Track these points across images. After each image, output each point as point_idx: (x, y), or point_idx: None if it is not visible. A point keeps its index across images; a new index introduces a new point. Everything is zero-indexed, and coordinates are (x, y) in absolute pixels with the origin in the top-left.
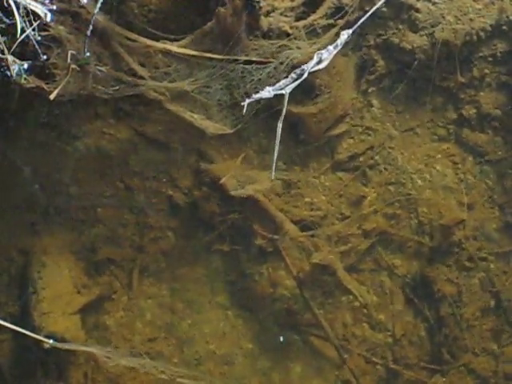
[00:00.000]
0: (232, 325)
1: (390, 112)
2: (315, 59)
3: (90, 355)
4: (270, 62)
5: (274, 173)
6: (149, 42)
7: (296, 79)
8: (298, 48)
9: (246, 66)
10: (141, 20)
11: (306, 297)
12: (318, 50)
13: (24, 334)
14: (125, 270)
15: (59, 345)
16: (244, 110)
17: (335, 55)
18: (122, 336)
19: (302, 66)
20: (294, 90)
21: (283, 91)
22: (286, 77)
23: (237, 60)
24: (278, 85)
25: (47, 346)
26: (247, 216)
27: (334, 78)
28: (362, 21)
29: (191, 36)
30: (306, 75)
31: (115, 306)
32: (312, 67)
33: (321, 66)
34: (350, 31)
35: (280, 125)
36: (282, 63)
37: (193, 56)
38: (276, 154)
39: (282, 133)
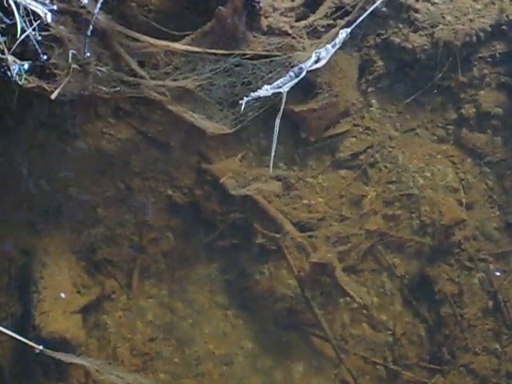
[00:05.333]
0: (232, 324)
1: (389, 112)
2: (313, 58)
3: (90, 355)
4: (276, 56)
5: (271, 168)
6: (152, 40)
7: (294, 78)
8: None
9: (254, 62)
10: (141, 20)
11: (307, 296)
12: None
13: (22, 334)
14: (125, 270)
15: (52, 353)
16: (242, 109)
17: (338, 53)
18: (121, 336)
19: (300, 65)
20: (295, 89)
21: (281, 90)
22: (285, 75)
23: (243, 54)
24: (275, 83)
25: (37, 351)
26: (248, 215)
27: (336, 76)
28: (360, 20)
29: (191, 36)
30: (304, 74)
31: (115, 305)
32: (310, 66)
33: (319, 65)
34: (349, 30)
35: (278, 121)
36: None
37: (196, 53)
38: (274, 150)
39: (284, 133)
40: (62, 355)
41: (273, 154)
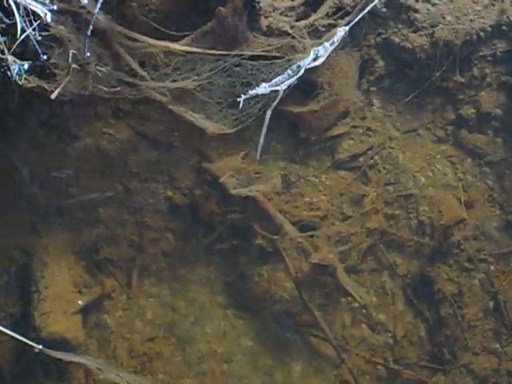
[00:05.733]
0: (232, 325)
1: (390, 111)
2: (311, 56)
3: (90, 355)
4: (276, 57)
5: (259, 153)
6: (151, 41)
7: (292, 76)
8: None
9: (253, 63)
10: (141, 20)
11: (304, 298)
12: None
13: (22, 334)
14: (125, 270)
15: (51, 352)
16: (240, 105)
17: (339, 53)
18: (121, 335)
19: (298, 63)
20: (296, 90)
21: (279, 87)
22: (283, 73)
23: (241, 55)
24: (273, 81)
25: (36, 350)
26: (247, 216)
27: (336, 76)
28: (358, 18)
29: (191, 36)
30: (302, 72)
31: (115, 305)
32: (308, 64)
33: (317, 63)
34: (347, 28)
35: (269, 112)
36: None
37: (196, 53)
38: (262, 139)
39: (284, 133)
40: (62, 354)
41: (261, 142)
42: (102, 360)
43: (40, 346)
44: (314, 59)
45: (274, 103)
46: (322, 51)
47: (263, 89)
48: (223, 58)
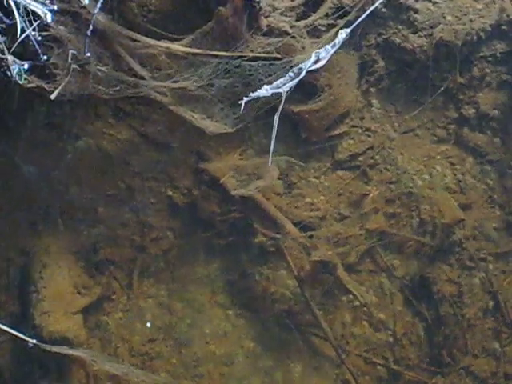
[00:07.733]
0: (233, 324)
1: (389, 112)
2: (313, 58)
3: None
4: (277, 58)
5: (270, 162)
6: (152, 41)
7: (294, 78)
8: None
9: (252, 63)
10: (141, 20)
11: (307, 296)
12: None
13: (21, 333)
14: (125, 270)
15: (46, 346)
16: (242, 108)
17: (338, 53)
18: (122, 336)
19: (300, 65)
20: (295, 90)
21: (281, 90)
22: (284, 76)
23: (242, 56)
24: (275, 83)
25: (31, 345)
26: (247, 215)
27: (336, 76)
28: (359, 20)
29: (191, 36)
30: (303, 74)
31: (115, 306)
32: (310, 66)
33: (318, 65)
34: (348, 30)
35: (277, 118)
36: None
37: (197, 54)
38: (272, 148)
39: (284, 133)
40: (57, 348)
41: (271, 151)
42: (98, 353)
43: (34, 341)
44: (316, 62)
45: (280, 107)
46: (324, 54)
47: (265, 91)
48: (224, 58)
